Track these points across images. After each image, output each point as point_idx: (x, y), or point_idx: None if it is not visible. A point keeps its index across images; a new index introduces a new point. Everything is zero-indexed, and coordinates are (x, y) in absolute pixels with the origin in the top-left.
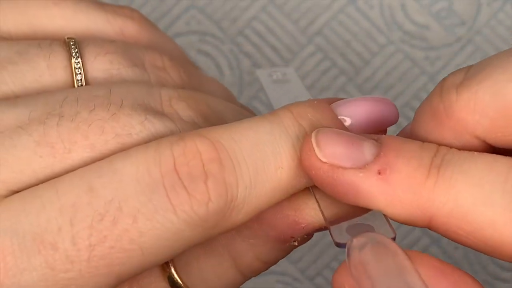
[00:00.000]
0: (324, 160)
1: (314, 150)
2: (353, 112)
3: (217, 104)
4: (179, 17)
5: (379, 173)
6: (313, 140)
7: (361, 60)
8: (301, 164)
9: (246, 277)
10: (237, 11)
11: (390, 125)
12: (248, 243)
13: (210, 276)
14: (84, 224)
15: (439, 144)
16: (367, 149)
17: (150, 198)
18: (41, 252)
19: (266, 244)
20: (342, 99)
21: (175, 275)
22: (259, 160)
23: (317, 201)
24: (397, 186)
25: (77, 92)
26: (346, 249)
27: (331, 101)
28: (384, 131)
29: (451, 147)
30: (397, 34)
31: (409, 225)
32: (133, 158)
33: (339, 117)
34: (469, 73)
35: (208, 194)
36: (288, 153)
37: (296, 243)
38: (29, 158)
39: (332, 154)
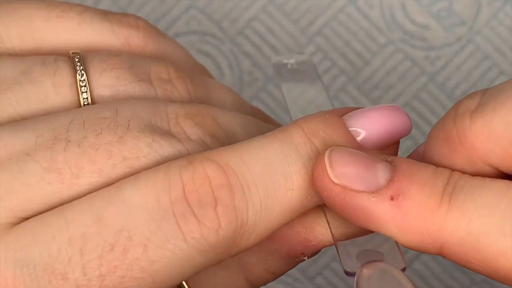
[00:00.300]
0: (336, 181)
1: (326, 171)
2: (366, 125)
3: (225, 117)
4: (179, 17)
5: (392, 199)
6: (326, 160)
7: (361, 60)
8: (313, 184)
9: (255, 287)
10: (237, 11)
11: (403, 137)
12: (258, 257)
13: (220, 287)
14: (94, 254)
15: (452, 169)
16: (381, 173)
17: (160, 226)
18: (51, 282)
19: (276, 259)
20: (353, 108)
21: (185, 286)
22: (269, 182)
23: (328, 222)
24: (409, 213)
25: (83, 114)
26: (355, 279)
27: (342, 112)
28: (397, 143)
29: (464, 172)
30: (397, 34)
31: (420, 252)
32: (142, 184)
33: (351, 129)
34: (484, 98)
35: (218, 220)
36: (299, 173)
37: (305, 258)
38: (37, 185)
39: (345, 175)
